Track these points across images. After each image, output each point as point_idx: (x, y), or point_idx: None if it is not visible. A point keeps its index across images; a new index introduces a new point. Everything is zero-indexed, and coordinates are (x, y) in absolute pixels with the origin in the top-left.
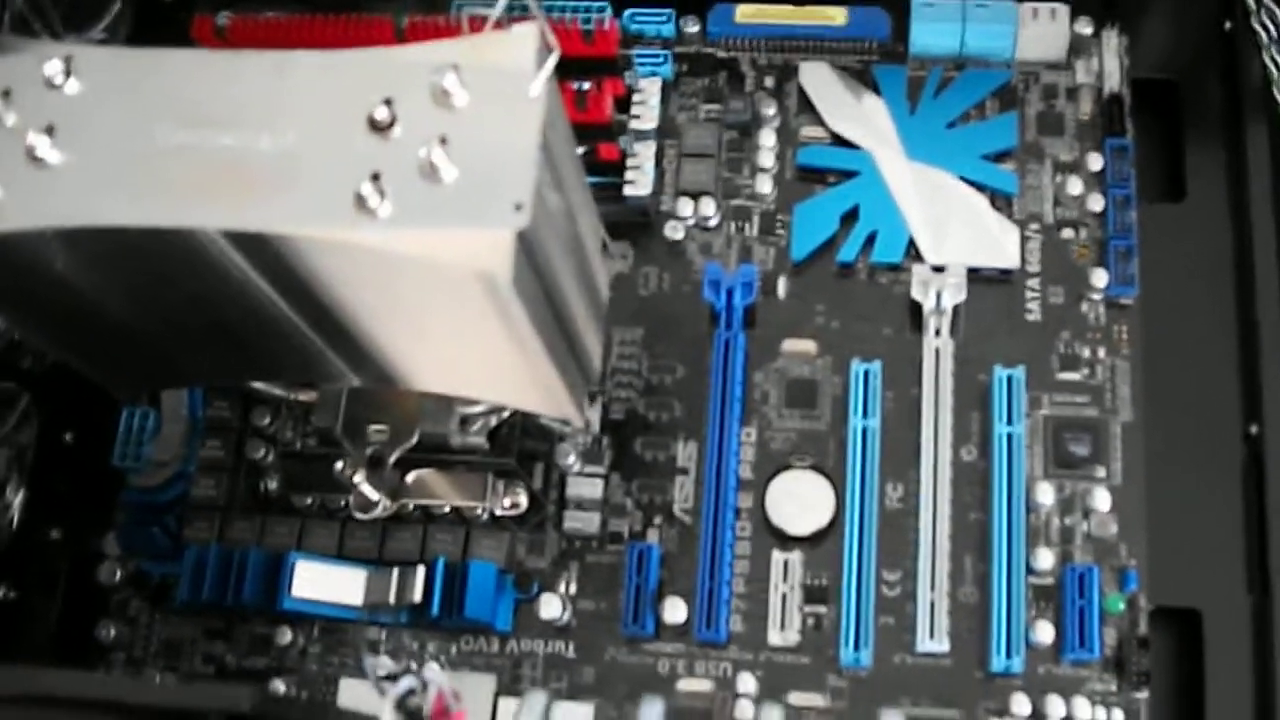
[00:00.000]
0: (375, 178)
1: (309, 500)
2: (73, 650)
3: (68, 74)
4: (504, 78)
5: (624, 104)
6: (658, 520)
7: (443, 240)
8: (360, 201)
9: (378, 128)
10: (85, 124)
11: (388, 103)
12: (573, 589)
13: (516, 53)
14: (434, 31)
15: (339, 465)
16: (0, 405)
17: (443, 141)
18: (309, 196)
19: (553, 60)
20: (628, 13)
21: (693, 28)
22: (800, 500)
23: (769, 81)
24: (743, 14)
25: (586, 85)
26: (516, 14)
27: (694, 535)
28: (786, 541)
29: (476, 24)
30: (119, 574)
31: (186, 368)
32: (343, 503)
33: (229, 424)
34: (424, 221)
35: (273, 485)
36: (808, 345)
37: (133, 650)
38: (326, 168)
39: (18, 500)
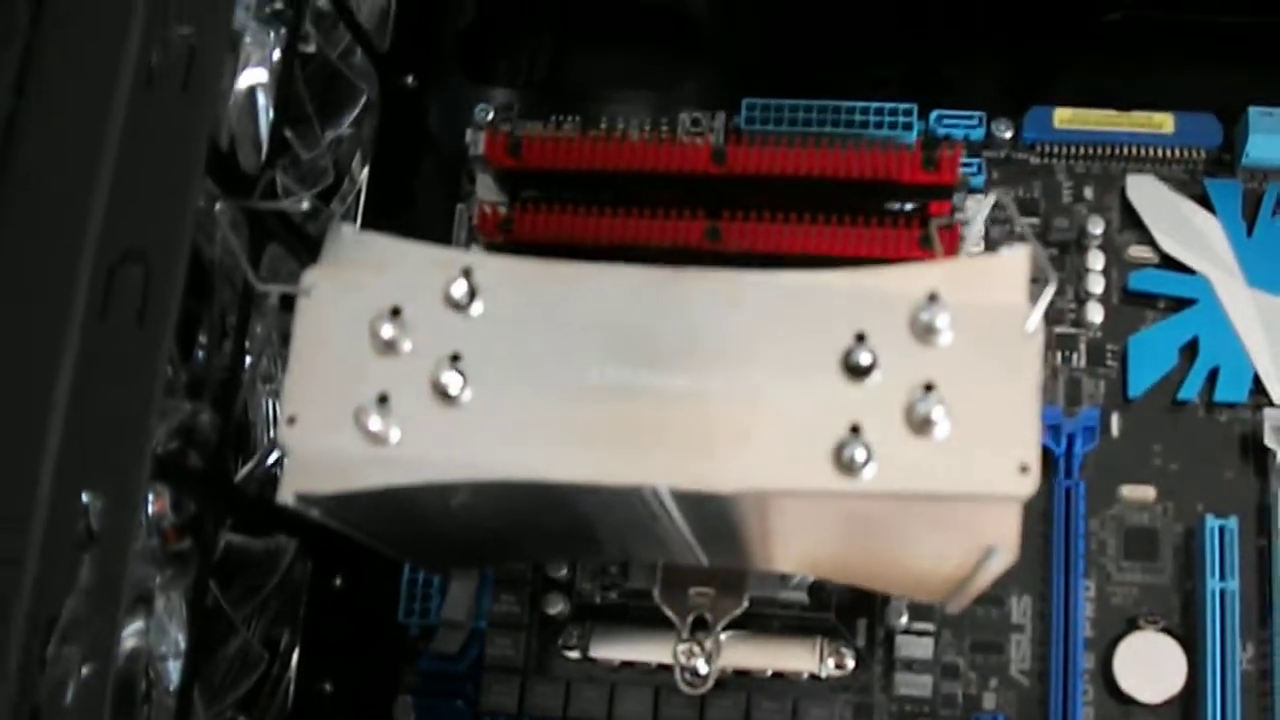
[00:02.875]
0: (855, 430)
1: (614, 661)
2: None
3: (473, 294)
4: (992, 311)
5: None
6: (993, 683)
7: (934, 504)
8: (839, 457)
9: (855, 371)
10: (497, 354)
11: (861, 338)
12: None
13: (1006, 281)
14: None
15: (682, 647)
16: (268, 555)
17: (928, 388)
18: (780, 450)
19: (1050, 291)
20: (934, 114)
21: (1005, 132)
22: (1151, 664)
23: (1088, 193)
24: (1061, 119)
25: (909, 206)
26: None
27: (1035, 700)
28: (1133, 709)
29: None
30: None
31: (497, 555)
32: (653, 664)
33: (522, 577)
34: (915, 483)
35: (572, 643)
36: (1147, 492)
37: None
38: (797, 417)
39: (294, 658)
